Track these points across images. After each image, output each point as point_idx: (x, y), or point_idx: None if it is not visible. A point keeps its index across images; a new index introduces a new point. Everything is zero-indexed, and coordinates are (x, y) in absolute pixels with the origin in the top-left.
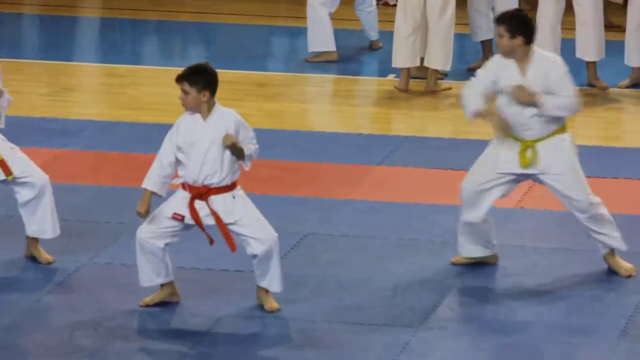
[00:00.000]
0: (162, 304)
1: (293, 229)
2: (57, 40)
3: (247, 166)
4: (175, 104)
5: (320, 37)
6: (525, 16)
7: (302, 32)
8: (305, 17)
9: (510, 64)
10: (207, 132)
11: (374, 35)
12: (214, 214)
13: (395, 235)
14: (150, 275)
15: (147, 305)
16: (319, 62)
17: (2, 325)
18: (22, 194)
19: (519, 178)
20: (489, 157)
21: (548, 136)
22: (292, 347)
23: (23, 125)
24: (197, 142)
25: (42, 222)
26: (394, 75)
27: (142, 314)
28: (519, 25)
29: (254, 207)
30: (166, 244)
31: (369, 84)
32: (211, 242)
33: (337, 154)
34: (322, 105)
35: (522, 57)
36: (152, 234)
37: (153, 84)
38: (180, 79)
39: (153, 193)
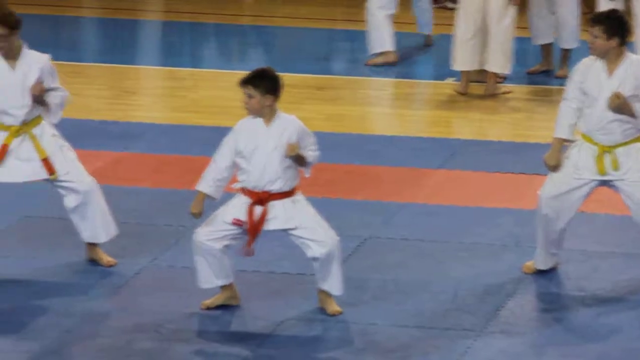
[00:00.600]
0: (223, 307)
1: (354, 232)
2: (118, 43)
3: (307, 173)
4: (235, 107)
5: (379, 39)
6: (622, 17)
7: (360, 35)
8: (363, 20)
9: (598, 65)
10: (269, 138)
11: (427, 29)
12: (262, 219)
13: (456, 239)
14: (209, 277)
15: (208, 308)
16: (379, 66)
17: (63, 328)
18: (68, 200)
19: (597, 184)
20: (566, 163)
21: (626, 143)
22: (353, 351)
23: (84, 128)
24: (259, 148)
25: (93, 227)
26: (453, 78)
27: (203, 317)
28: (616, 27)
29: (314, 211)
30: (225, 246)
31: (428, 87)
32: (248, 250)
33: (397, 157)
34: (381, 109)
35: (613, 58)
36: (210, 237)
37: (213, 87)
38: (245, 82)
39: (207, 195)
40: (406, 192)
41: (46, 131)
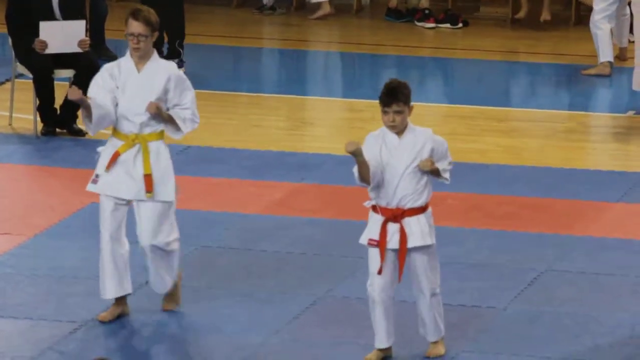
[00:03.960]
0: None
1: (529, 265)
2: (296, 74)
3: (447, 180)
4: None
5: (603, 49)
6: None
7: (540, 67)
8: (543, 53)
9: None
10: (402, 152)
11: (624, 42)
12: (402, 236)
13: (634, 273)
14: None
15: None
16: (592, 76)
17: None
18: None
19: None
20: None
21: None
22: None
23: (262, 158)
24: (391, 163)
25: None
26: (633, 112)
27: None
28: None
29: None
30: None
31: (607, 120)
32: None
33: (575, 190)
34: (559, 142)
35: None
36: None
37: None
38: (392, 100)
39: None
40: (583, 225)
41: (163, 151)
